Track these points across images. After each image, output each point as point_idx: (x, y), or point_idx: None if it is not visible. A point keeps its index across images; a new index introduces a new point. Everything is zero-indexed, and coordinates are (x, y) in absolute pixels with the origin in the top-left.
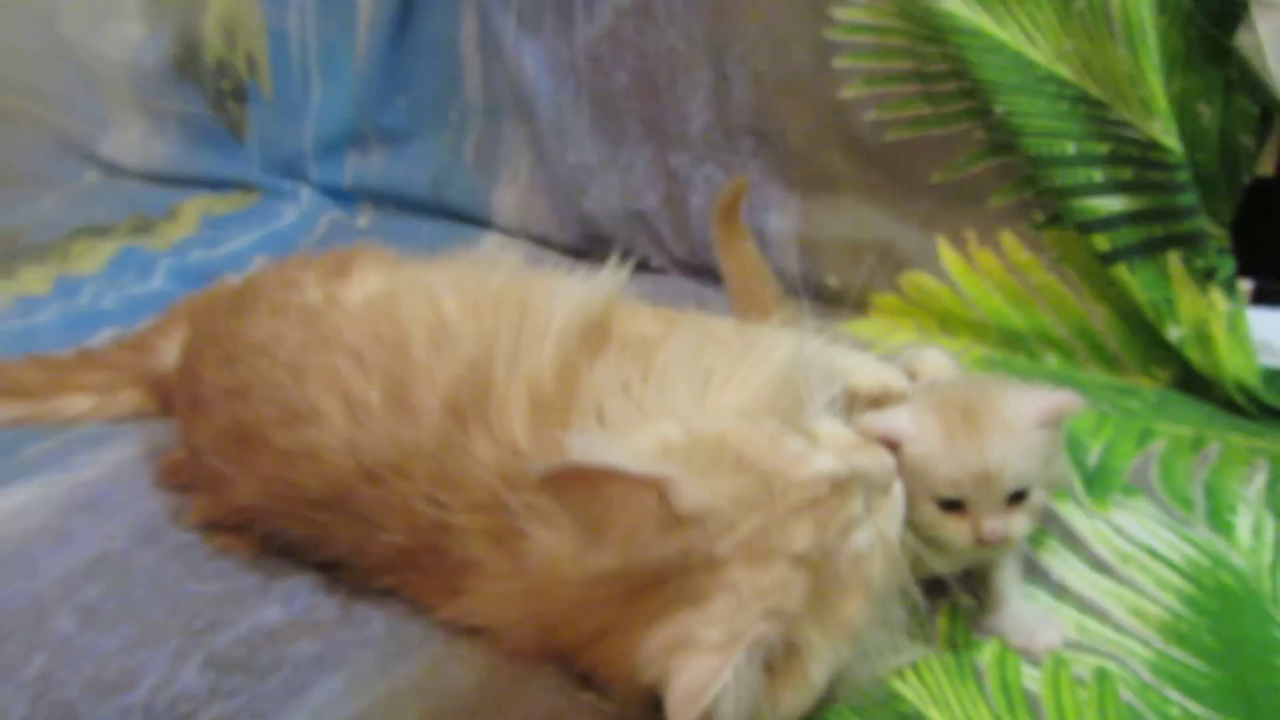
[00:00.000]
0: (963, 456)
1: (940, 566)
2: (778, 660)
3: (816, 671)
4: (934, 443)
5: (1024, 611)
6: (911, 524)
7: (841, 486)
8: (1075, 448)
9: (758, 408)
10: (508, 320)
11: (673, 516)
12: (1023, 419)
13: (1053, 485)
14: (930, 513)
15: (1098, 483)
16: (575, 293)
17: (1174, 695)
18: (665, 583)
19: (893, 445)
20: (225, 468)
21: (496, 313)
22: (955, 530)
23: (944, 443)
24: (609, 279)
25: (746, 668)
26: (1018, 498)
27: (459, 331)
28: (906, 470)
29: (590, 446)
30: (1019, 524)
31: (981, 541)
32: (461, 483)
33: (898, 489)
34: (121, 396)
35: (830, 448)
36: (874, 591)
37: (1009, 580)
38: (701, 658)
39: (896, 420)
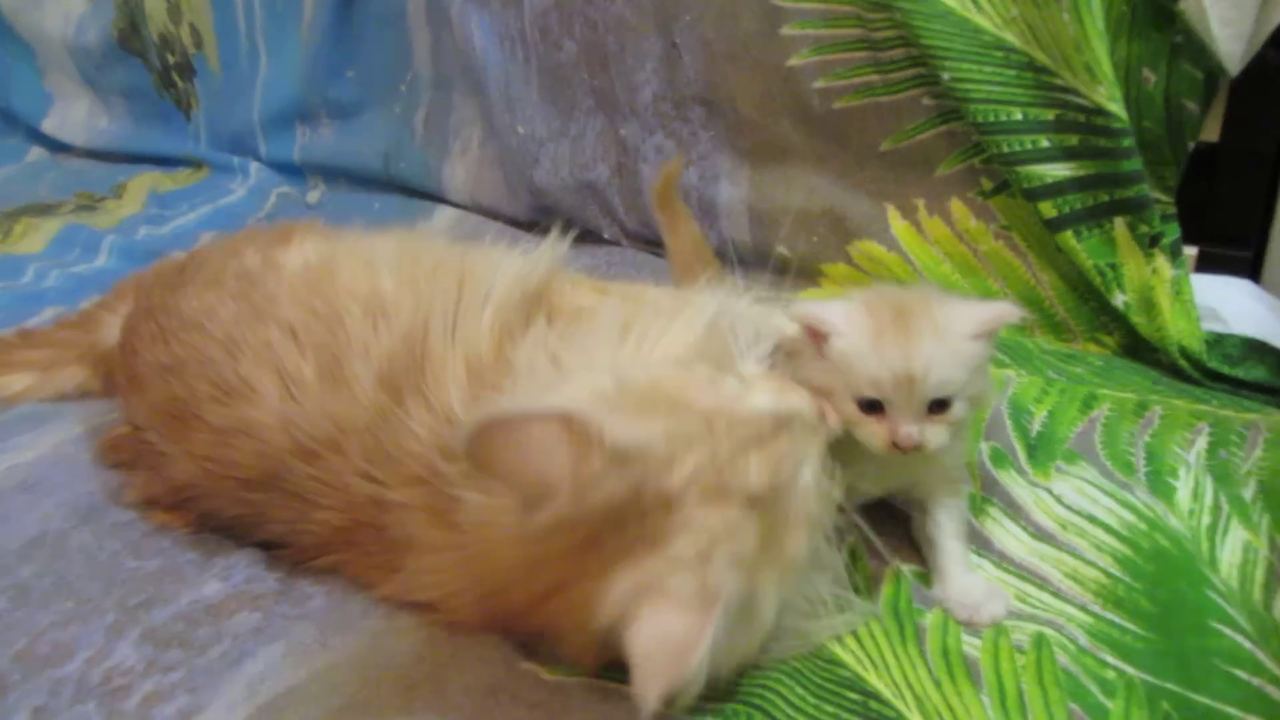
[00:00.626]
0: (888, 356)
1: (866, 485)
2: (736, 609)
3: (768, 611)
4: (862, 339)
5: (969, 583)
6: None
7: (784, 424)
8: (1019, 414)
9: (688, 357)
10: (445, 292)
11: (610, 455)
12: (955, 327)
13: (975, 401)
14: (850, 410)
15: (1041, 450)
16: (514, 265)
17: (1110, 659)
18: (620, 526)
19: (820, 336)
20: (163, 445)
21: (433, 285)
22: (871, 431)
23: (872, 340)
24: (549, 251)
25: (720, 623)
26: (939, 406)
27: (395, 304)
28: (831, 364)
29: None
30: (935, 434)
31: (896, 446)
32: (397, 457)
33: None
34: (64, 374)
35: (763, 390)
36: (815, 527)
37: (954, 551)
38: (676, 614)
39: (828, 311)
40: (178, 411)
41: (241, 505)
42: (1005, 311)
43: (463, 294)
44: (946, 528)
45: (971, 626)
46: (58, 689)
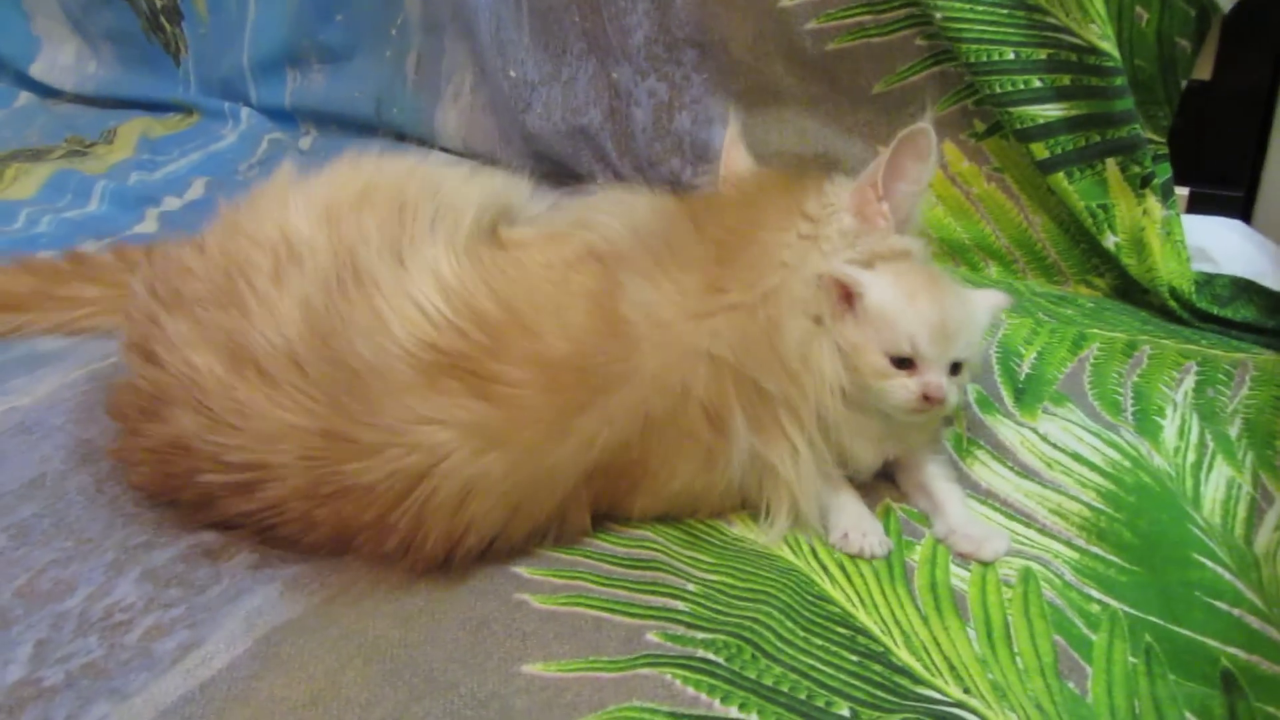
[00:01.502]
0: (925, 312)
1: (866, 458)
2: None
3: None
4: (896, 296)
5: (969, 520)
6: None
7: None
8: (1009, 357)
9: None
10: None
11: None
12: (972, 297)
13: (973, 372)
14: (882, 365)
15: (1028, 393)
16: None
17: (1094, 593)
18: None
19: (853, 296)
20: (135, 415)
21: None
22: (902, 384)
23: (907, 298)
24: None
25: None
26: (955, 368)
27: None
28: (864, 320)
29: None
30: (954, 391)
31: (927, 399)
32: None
33: None
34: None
35: None
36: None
37: (951, 491)
38: None
39: (859, 273)
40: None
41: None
42: (1003, 300)
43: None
44: (939, 474)
45: (975, 559)
46: (60, 623)
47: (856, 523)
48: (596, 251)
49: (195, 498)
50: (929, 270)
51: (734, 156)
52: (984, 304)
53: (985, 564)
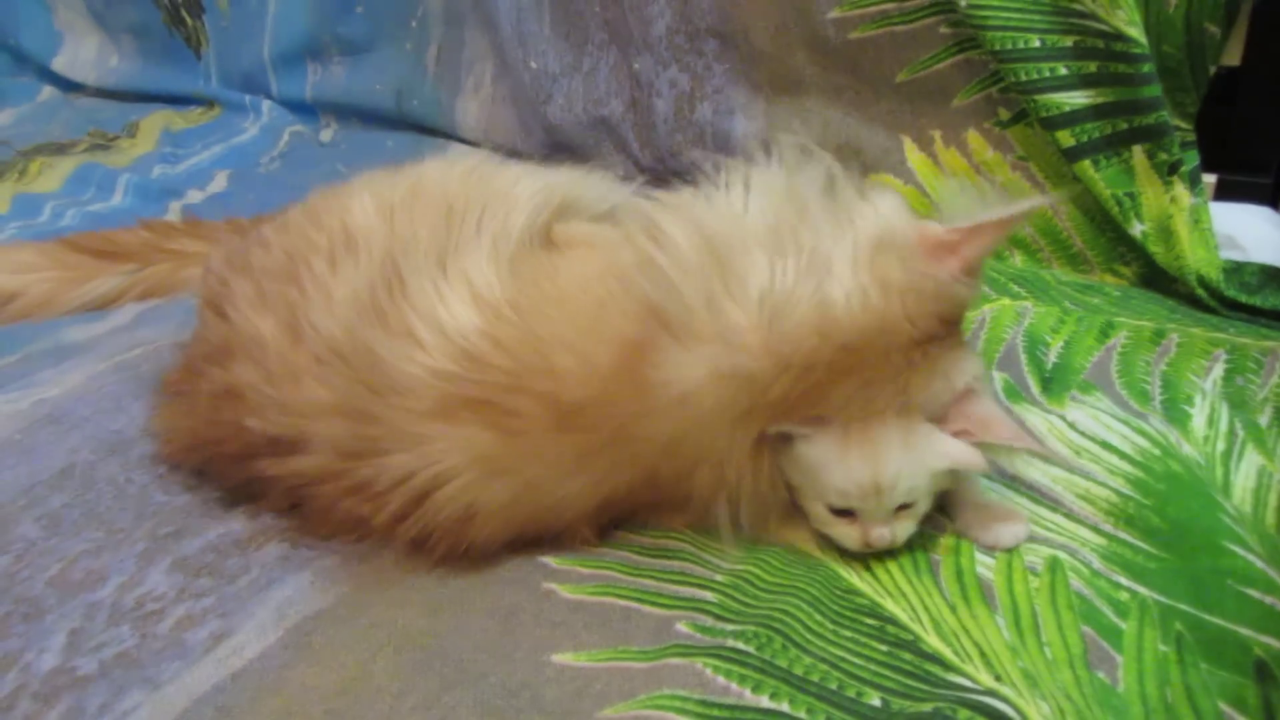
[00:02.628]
0: (854, 469)
1: None
2: None
3: None
4: (828, 448)
5: (988, 509)
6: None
7: None
8: (1035, 345)
9: None
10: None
11: None
12: (923, 449)
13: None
14: (820, 512)
15: (1055, 380)
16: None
17: (1123, 581)
18: None
19: (788, 438)
20: (182, 392)
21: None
22: (844, 533)
23: (838, 450)
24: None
25: None
26: (905, 506)
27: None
28: (800, 466)
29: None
30: (904, 529)
31: (869, 545)
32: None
33: None
34: None
35: None
36: None
37: (970, 480)
38: None
39: (798, 427)
40: (192, 367)
41: (236, 473)
42: (974, 462)
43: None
44: None
45: (994, 549)
46: (92, 613)
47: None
48: (642, 293)
49: (236, 450)
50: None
51: None
52: (942, 463)
53: (1009, 551)
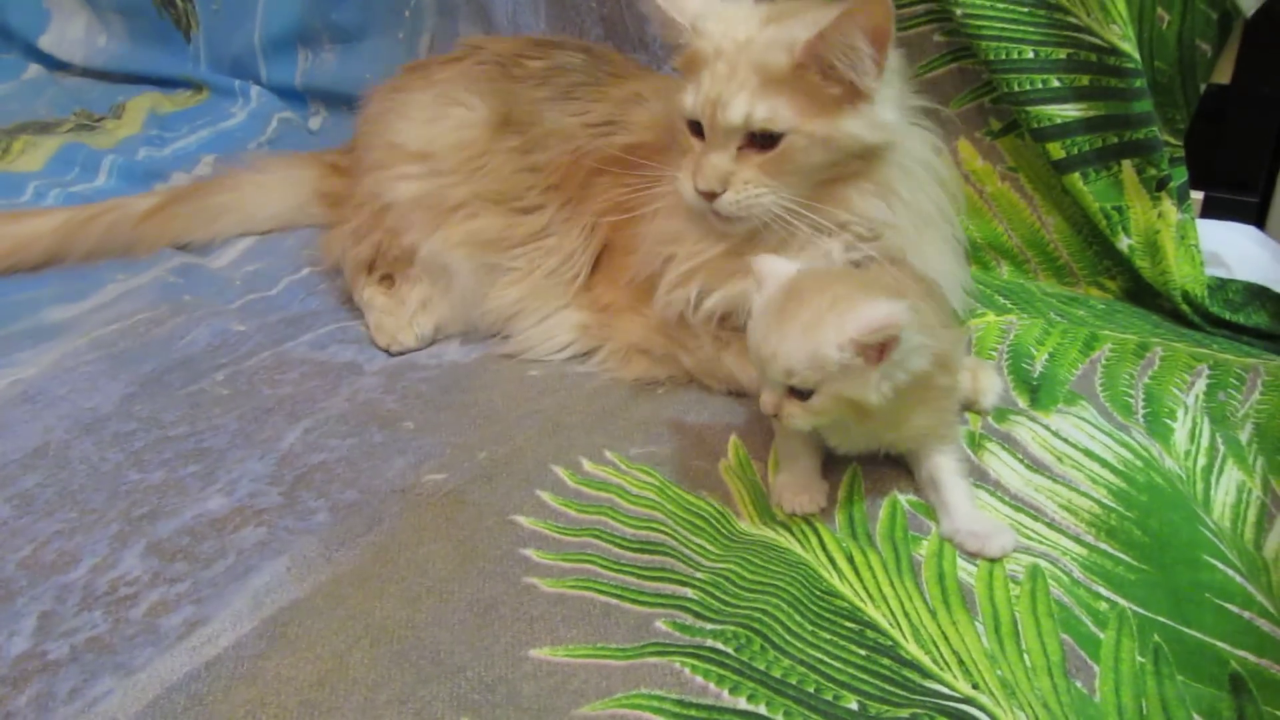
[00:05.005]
0: (756, 330)
1: (844, 446)
2: None
3: None
4: (759, 308)
5: (975, 517)
6: None
7: None
8: (1020, 357)
9: None
10: None
11: None
12: (828, 329)
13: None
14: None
15: (1043, 392)
16: None
17: (1103, 591)
18: None
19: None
20: None
21: None
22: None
23: (760, 312)
24: None
25: None
26: (800, 393)
27: None
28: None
29: None
30: (791, 414)
31: (764, 409)
32: None
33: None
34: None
35: None
36: None
37: (958, 486)
38: None
39: (775, 269)
40: None
41: None
42: (887, 322)
43: None
44: (947, 466)
45: (980, 557)
46: (64, 595)
47: (792, 481)
48: None
49: None
50: (819, 286)
51: None
52: (846, 336)
53: (993, 560)
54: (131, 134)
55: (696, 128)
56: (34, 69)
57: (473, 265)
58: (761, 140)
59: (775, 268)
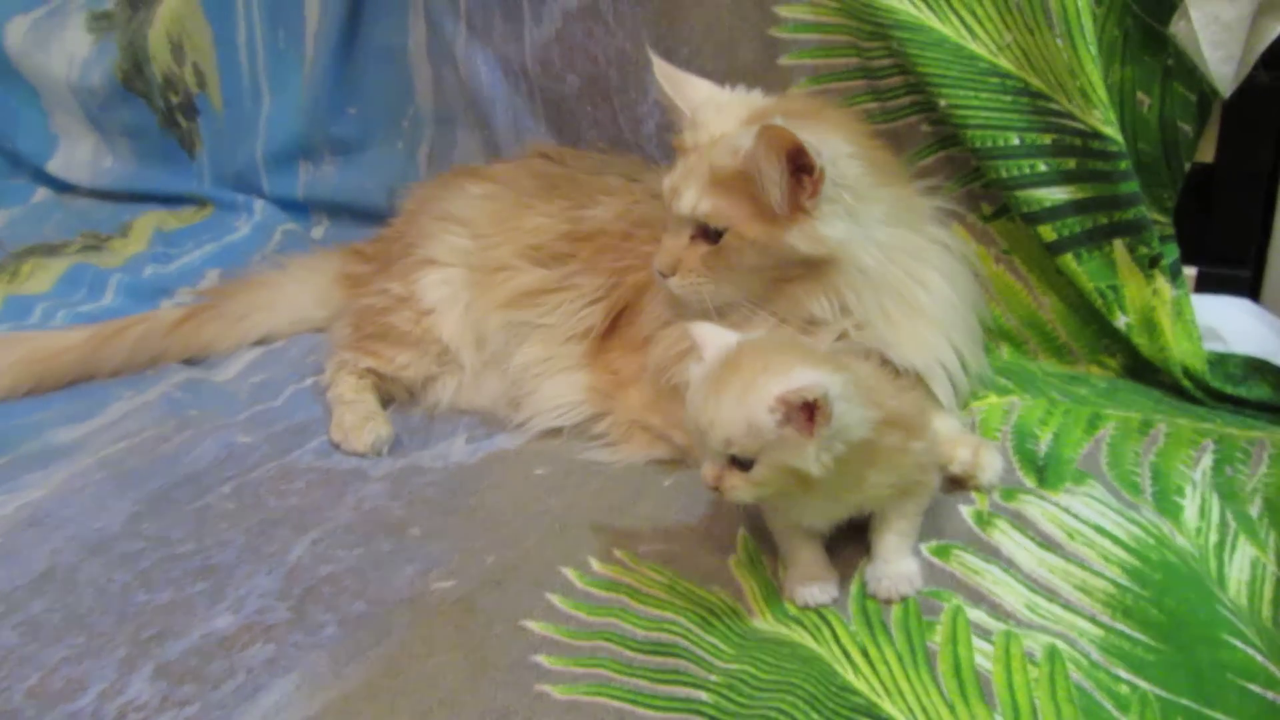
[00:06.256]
0: (694, 399)
1: (812, 519)
2: None
3: None
4: (697, 378)
5: (886, 562)
6: None
7: None
8: (1024, 438)
9: None
10: None
11: None
12: (758, 393)
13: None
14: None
15: (1050, 472)
16: None
17: (1123, 674)
18: None
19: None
20: None
21: None
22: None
23: (698, 381)
24: None
25: None
26: (741, 464)
27: None
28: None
29: None
30: (732, 486)
31: (705, 481)
32: None
33: None
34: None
35: None
36: None
37: (885, 538)
38: None
39: (712, 336)
40: None
41: None
42: (814, 383)
43: None
44: (885, 518)
45: (878, 599)
46: None
47: (801, 573)
48: None
49: None
50: (755, 354)
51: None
52: (770, 399)
53: (892, 599)
54: (138, 252)
55: None
56: (42, 192)
57: (503, 321)
58: (708, 234)
59: (714, 337)
